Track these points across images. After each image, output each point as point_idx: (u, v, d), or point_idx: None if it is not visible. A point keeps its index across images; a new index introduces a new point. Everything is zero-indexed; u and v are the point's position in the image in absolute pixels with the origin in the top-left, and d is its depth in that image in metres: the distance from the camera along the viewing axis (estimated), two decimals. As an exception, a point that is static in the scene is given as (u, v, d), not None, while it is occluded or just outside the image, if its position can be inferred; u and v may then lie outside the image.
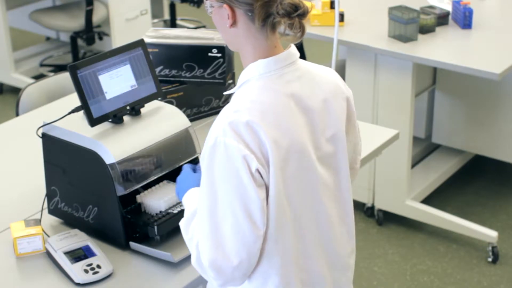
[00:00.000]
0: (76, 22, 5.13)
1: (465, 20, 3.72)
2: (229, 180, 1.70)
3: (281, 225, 1.76)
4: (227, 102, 2.83)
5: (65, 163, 2.17)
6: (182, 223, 1.83)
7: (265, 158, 1.70)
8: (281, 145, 1.72)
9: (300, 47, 4.33)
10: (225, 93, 1.95)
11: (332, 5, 3.74)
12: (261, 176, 1.70)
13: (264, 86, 1.76)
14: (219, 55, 2.69)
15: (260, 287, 1.79)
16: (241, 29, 1.77)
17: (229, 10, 1.76)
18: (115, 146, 2.08)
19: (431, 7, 3.82)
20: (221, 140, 1.69)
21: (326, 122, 1.82)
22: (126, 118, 2.19)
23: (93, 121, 2.12)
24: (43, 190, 2.26)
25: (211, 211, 1.71)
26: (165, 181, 2.23)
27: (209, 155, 1.71)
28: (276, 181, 1.72)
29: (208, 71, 2.71)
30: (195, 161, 2.27)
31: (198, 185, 1.87)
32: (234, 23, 1.77)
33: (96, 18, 5.13)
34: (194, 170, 1.99)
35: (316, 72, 1.85)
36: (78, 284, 2.01)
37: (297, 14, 1.73)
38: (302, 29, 1.76)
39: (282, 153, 1.72)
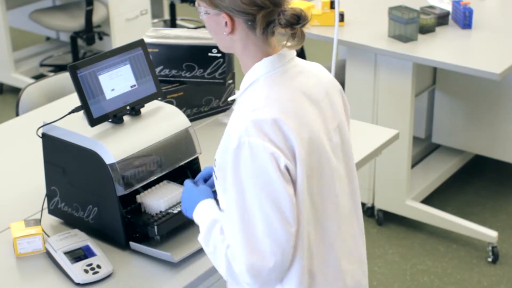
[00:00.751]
0: (76, 22, 5.13)
1: (465, 20, 3.72)
2: (257, 180, 1.67)
3: (305, 220, 1.74)
4: (227, 102, 2.84)
5: (65, 163, 2.17)
6: (201, 239, 1.80)
7: (292, 153, 1.69)
8: (303, 139, 1.72)
9: (300, 47, 4.33)
10: (232, 97, 1.92)
11: (332, 5, 3.74)
12: (289, 172, 1.69)
13: (274, 83, 1.76)
14: (219, 55, 2.69)
15: (285, 282, 1.77)
16: (239, 36, 1.76)
17: (228, 19, 1.74)
18: (115, 146, 2.08)
19: (431, 7, 3.82)
20: (245, 140, 1.67)
21: (331, 113, 1.83)
22: (126, 118, 2.19)
23: (93, 121, 2.11)
24: (43, 190, 2.26)
25: (241, 215, 1.68)
26: (165, 181, 2.23)
27: (234, 158, 1.68)
28: (302, 176, 1.71)
29: (208, 71, 2.71)
30: (195, 161, 2.27)
31: (203, 198, 1.87)
32: (232, 31, 1.76)
33: (96, 18, 5.13)
34: (195, 184, 1.98)
35: (310, 67, 1.87)
36: (78, 284, 2.01)
37: (300, 25, 1.72)
38: (303, 36, 1.76)
39: (305, 147, 1.72)
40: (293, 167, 1.69)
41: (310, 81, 1.82)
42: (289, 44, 1.76)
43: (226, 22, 1.75)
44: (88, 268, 2.03)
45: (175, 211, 2.14)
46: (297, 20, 1.71)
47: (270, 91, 1.74)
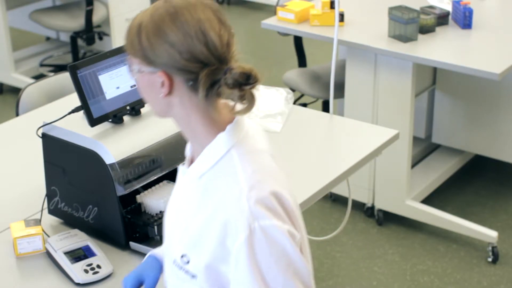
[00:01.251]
0: (76, 22, 5.13)
1: (465, 20, 3.72)
2: (279, 263, 1.49)
3: None
4: (227, 102, 2.84)
5: (65, 163, 2.17)
6: None
7: (292, 222, 1.54)
8: (294, 201, 1.58)
9: (300, 47, 4.33)
10: (200, 176, 1.59)
11: (332, 5, 3.74)
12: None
13: (249, 152, 1.56)
14: (219, 55, 2.68)
15: None
16: (178, 98, 1.53)
17: (165, 78, 1.51)
18: (115, 146, 2.08)
19: (431, 7, 3.82)
20: (255, 226, 1.47)
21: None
22: (126, 118, 2.19)
23: (93, 121, 2.11)
24: (43, 190, 2.26)
25: None
26: (165, 181, 2.23)
27: (248, 249, 1.48)
28: (303, 239, 1.59)
29: (208, 71, 2.70)
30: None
31: None
32: (169, 93, 1.53)
33: (96, 18, 5.13)
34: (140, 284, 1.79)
35: (249, 120, 1.66)
36: (78, 284, 2.01)
37: (250, 86, 1.50)
38: (253, 99, 1.52)
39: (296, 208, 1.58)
40: (298, 235, 1.55)
41: (261, 138, 1.64)
42: (238, 108, 1.53)
43: (163, 82, 1.51)
44: (88, 268, 2.03)
45: (175, 211, 2.14)
46: (247, 79, 1.49)
47: (251, 162, 1.55)
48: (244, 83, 1.49)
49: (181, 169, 1.67)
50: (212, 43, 1.49)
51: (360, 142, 2.69)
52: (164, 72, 1.51)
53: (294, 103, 3.00)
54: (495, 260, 3.65)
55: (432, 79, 4.11)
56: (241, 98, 1.51)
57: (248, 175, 1.52)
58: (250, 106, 1.52)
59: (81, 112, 2.15)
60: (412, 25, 3.57)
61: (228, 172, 1.53)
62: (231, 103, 1.55)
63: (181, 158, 2.23)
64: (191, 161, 1.64)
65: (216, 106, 1.55)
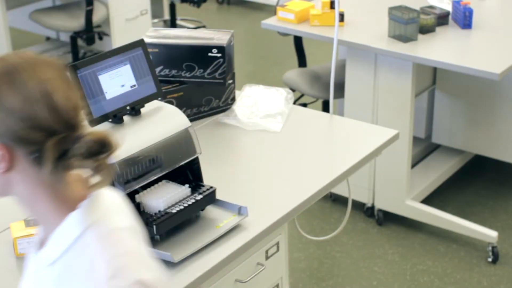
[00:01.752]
0: (76, 22, 5.13)
1: (465, 20, 3.72)
2: None
3: None
4: (227, 102, 2.84)
5: (65, 163, 2.17)
6: None
7: None
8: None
9: (300, 47, 4.33)
10: (50, 264, 1.36)
11: (332, 5, 3.74)
12: None
13: (109, 232, 1.34)
14: (219, 55, 2.69)
15: None
16: (21, 174, 1.32)
17: (4, 151, 1.29)
18: (115, 146, 2.08)
19: (431, 7, 3.82)
20: None
21: None
22: (126, 118, 2.19)
23: (93, 121, 2.11)
24: (43, 190, 2.26)
25: None
26: (164, 181, 2.23)
27: None
28: None
29: (208, 71, 2.71)
30: (195, 161, 2.27)
31: None
32: (9, 169, 1.31)
33: (96, 18, 5.13)
34: None
35: (107, 193, 1.45)
36: (78, 284, 2.01)
37: (105, 154, 1.31)
38: (109, 171, 1.32)
39: None
40: None
41: (125, 212, 1.44)
42: (94, 181, 1.33)
43: (0, 157, 1.29)
44: (88, 268, 2.02)
45: (174, 211, 2.14)
46: (101, 147, 1.30)
47: (113, 245, 1.32)
48: (99, 152, 1.30)
49: (32, 254, 1.43)
50: (58, 107, 1.28)
51: (360, 142, 2.69)
52: (1, 145, 1.29)
53: (294, 103, 3.00)
54: (495, 260, 3.65)
55: (432, 79, 4.11)
56: (97, 170, 1.30)
57: (107, 262, 1.29)
58: (107, 178, 1.32)
59: (81, 112, 2.14)
60: (412, 25, 3.57)
61: (84, 259, 1.30)
62: (86, 175, 1.36)
63: (181, 158, 2.24)
64: (43, 245, 1.41)
65: (67, 181, 1.33)
